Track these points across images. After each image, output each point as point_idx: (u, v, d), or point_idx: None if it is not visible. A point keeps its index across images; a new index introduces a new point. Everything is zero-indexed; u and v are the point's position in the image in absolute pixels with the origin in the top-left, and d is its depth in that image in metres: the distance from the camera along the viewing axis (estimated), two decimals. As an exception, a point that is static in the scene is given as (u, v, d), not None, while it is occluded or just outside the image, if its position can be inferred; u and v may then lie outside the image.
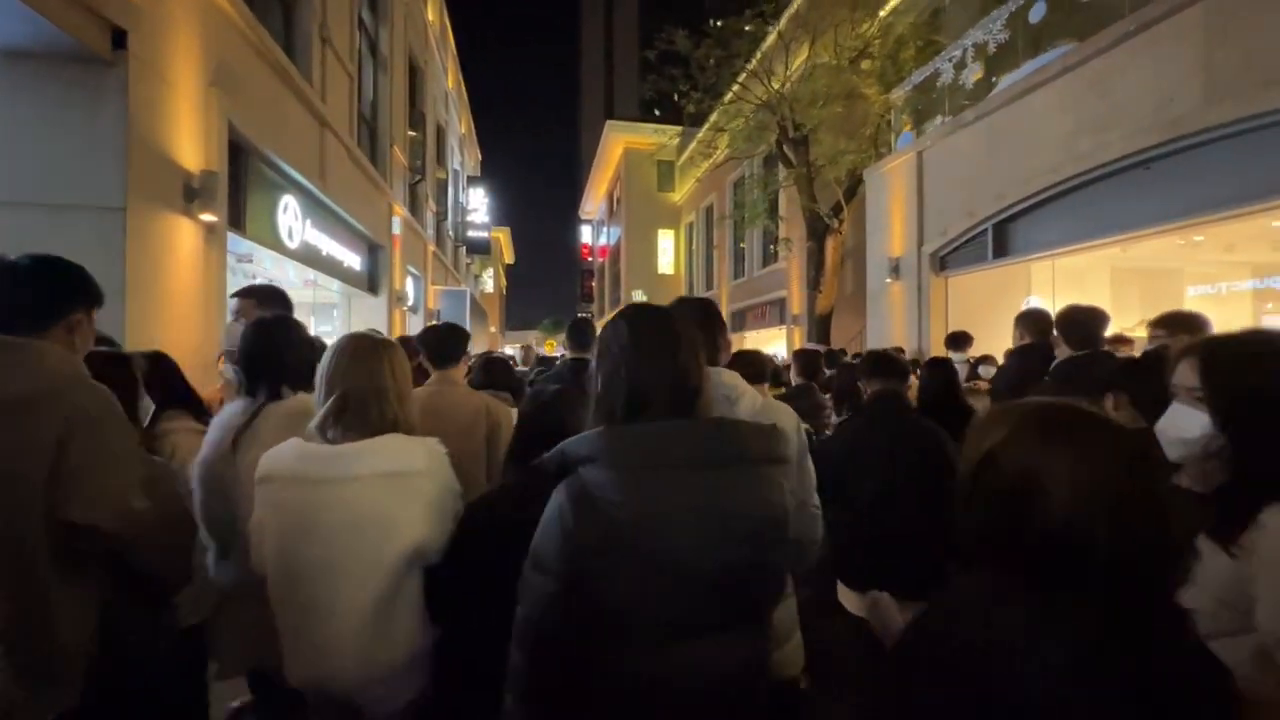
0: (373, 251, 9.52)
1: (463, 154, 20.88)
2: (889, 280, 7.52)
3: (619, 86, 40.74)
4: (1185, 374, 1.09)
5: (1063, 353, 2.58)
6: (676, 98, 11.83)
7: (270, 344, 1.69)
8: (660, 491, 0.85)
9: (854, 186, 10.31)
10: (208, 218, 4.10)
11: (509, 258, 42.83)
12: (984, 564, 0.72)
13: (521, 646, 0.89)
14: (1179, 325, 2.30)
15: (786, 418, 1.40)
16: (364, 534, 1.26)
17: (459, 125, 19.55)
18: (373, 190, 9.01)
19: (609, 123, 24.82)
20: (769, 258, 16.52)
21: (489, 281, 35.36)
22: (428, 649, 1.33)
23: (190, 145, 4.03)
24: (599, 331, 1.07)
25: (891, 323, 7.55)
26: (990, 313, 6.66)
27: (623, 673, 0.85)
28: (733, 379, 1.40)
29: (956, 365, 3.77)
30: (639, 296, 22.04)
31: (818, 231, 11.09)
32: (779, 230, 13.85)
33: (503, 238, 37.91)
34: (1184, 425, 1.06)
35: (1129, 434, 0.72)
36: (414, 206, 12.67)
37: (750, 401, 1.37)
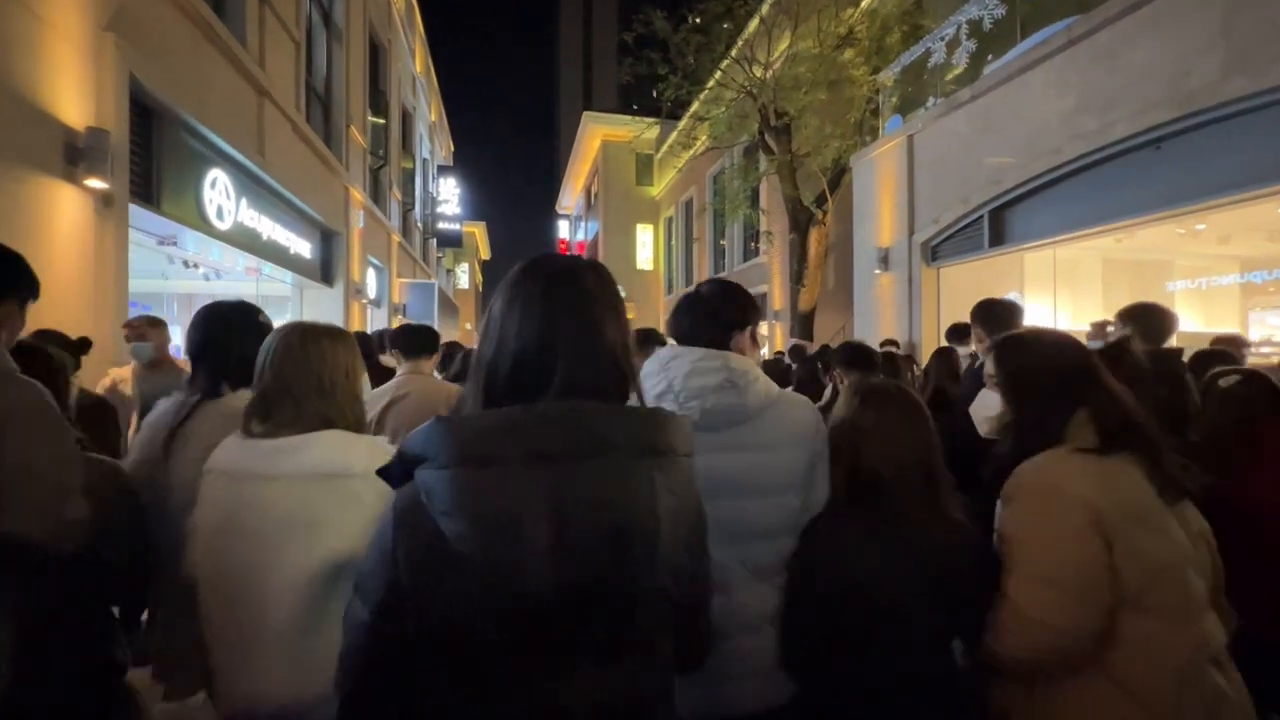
0: (327, 239, 8.84)
1: (433, 143, 20.09)
2: (878, 272, 7.14)
3: (597, 77, 40.10)
4: (989, 364, 1.33)
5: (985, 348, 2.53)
6: (656, 85, 11.34)
7: (219, 332, 1.53)
8: (496, 493, 0.67)
9: (838, 176, 9.96)
10: (97, 184, 3.47)
11: (485, 254, 41.93)
12: (839, 501, 1.23)
13: (340, 686, 0.75)
14: (1140, 318, 2.35)
15: (801, 410, 1.27)
16: (291, 537, 1.13)
17: (428, 112, 18.78)
18: (326, 172, 8.33)
19: (586, 113, 24.24)
20: (750, 252, 16.16)
21: (463, 277, 34.51)
22: None
23: (74, 97, 3.40)
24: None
25: (880, 316, 7.17)
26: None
27: (463, 715, 0.70)
28: (743, 363, 1.22)
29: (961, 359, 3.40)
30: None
31: (801, 223, 10.72)
32: (760, 223, 13.48)
33: (478, 233, 37.04)
34: (988, 405, 1.42)
35: (914, 399, 1.27)
36: (376, 194, 11.95)
37: (762, 389, 1.22)
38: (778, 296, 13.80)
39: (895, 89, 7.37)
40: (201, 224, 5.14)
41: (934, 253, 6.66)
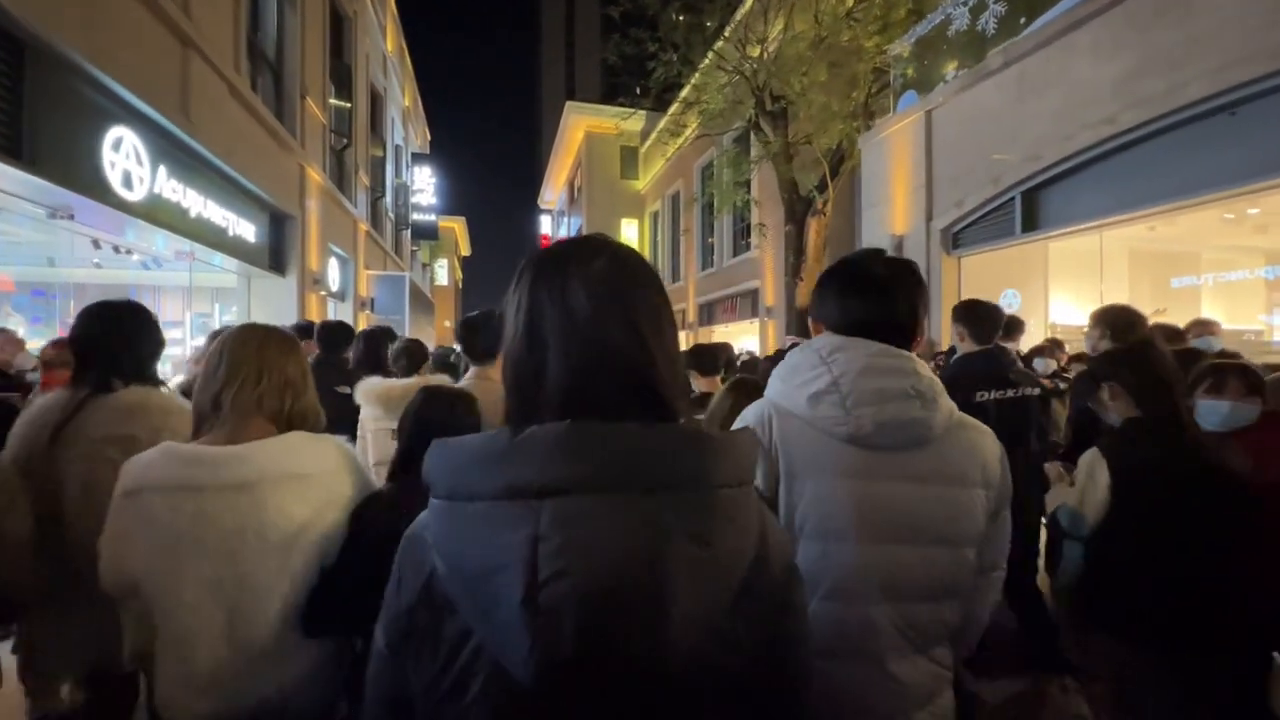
0: (278, 222, 7.91)
1: (407, 130, 19.07)
2: (891, 261, 6.47)
3: (580, 69, 39.27)
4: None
5: (967, 347, 2.60)
6: (645, 65, 10.57)
7: (110, 329, 1.54)
8: (474, 537, 0.54)
9: (839, 163, 9.32)
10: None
11: (465, 249, 40.79)
12: None
13: (365, 712, 0.65)
14: (1115, 321, 2.50)
15: (989, 441, 1.01)
16: (268, 542, 1.14)
17: (401, 96, 17.76)
18: (275, 146, 7.40)
19: (569, 104, 23.38)
20: (740, 247, 15.52)
21: (442, 273, 33.38)
22: (332, 657, 1.25)
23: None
24: None
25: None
26: (1001, 297, 5.68)
27: None
28: (928, 371, 0.96)
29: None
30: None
31: (797, 214, 10.06)
32: (753, 215, 12.82)
33: (458, 228, 36.03)
34: None
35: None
36: (341, 177, 11.00)
37: (948, 407, 0.97)
38: (770, 292, 13.17)
39: (908, 61, 6.70)
40: (102, 192, 4.23)
41: (955, 240, 6.00)
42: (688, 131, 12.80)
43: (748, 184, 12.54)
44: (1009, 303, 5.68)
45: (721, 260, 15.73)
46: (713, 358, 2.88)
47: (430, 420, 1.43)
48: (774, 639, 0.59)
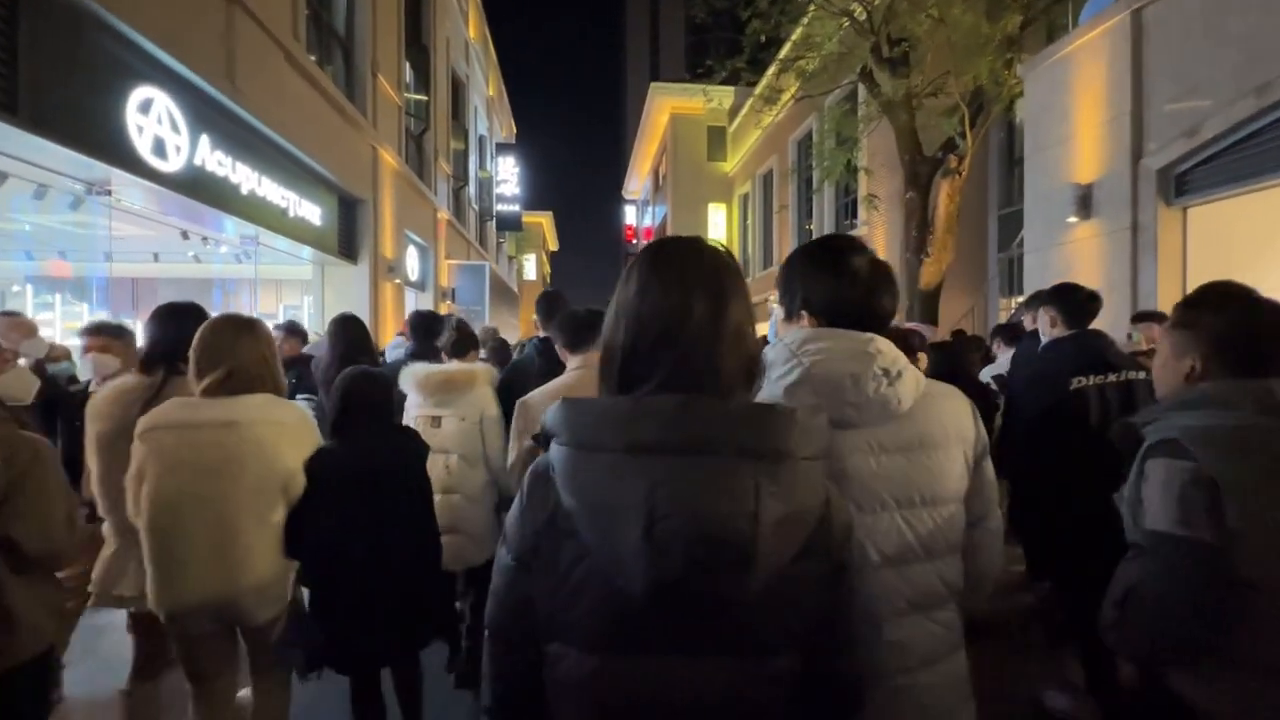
0: (347, 206, 7.55)
1: (491, 120, 18.94)
2: (1072, 220, 4.89)
3: (665, 54, 38.25)
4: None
5: (1057, 332, 2.44)
6: (737, 20, 9.31)
7: (180, 325, 1.86)
8: (600, 481, 0.68)
9: (977, 111, 7.65)
10: None
11: (552, 244, 41.16)
12: None
13: (487, 620, 0.77)
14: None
15: (954, 401, 1.08)
16: (245, 467, 1.60)
17: (485, 85, 17.58)
18: (342, 123, 7.00)
19: (654, 85, 22.38)
20: (843, 226, 13.86)
21: (530, 268, 33.73)
22: (290, 569, 1.75)
23: None
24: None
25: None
26: (1255, 261, 3.98)
27: (570, 680, 0.70)
28: (890, 348, 1.02)
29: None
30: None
31: (921, 178, 8.42)
32: (859, 187, 11.21)
33: (545, 223, 36.32)
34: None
35: None
36: (420, 164, 10.70)
37: (912, 379, 1.02)
38: (882, 275, 11.51)
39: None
40: (125, 159, 3.76)
41: (1180, 184, 4.36)
42: (785, 96, 11.36)
43: (854, 151, 10.95)
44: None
45: (821, 241, 14.15)
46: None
47: (351, 393, 1.88)
48: (833, 590, 0.71)
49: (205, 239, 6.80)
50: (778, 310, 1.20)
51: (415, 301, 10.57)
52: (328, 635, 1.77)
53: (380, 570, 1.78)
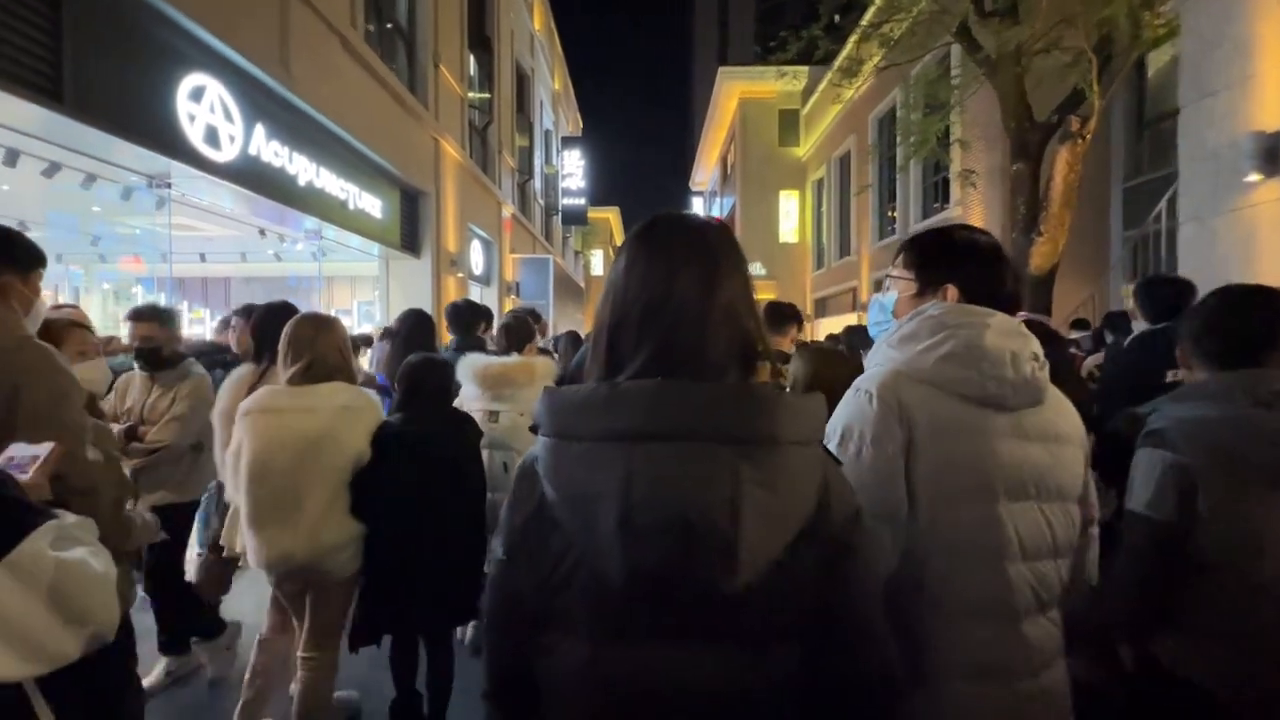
0: (409, 199, 7.48)
1: (557, 115, 18.86)
2: (1253, 178, 3.91)
3: (734, 43, 37.15)
4: None
5: (1140, 326, 2.48)
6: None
7: (279, 324, 2.02)
8: (578, 470, 0.67)
9: (1105, 62, 6.56)
10: None
11: (620, 240, 41.18)
12: None
13: (484, 610, 0.78)
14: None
15: (1068, 401, 1.06)
16: (321, 447, 1.84)
17: (551, 79, 17.49)
18: (403, 115, 6.90)
19: (722, 69, 21.54)
20: (929, 209, 12.69)
21: (597, 264, 33.79)
22: (358, 538, 1.93)
23: None
24: None
25: (1256, 255, 3.95)
26: None
27: (565, 668, 0.69)
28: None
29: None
30: (757, 269, 18.89)
31: (1030, 147, 7.38)
32: (952, 162, 10.11)
33: (613, 219, 36.29)
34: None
35: None
36: (484, 157, 10.64)
37: (1046, 370, 1.01)
38: (979, 260, 10.36)
39: None
40: (179, 150, 3.68)
41: None
42: (868, 66, 10.40)
43: (947, 120, 9.86)
44: None
45: (906, 224, 12.98)
46: (782, 317, 2.96)
47: (412, 376, 2.12)
48: (834, 578, 0.67)
49: (281, 236, 6.95)
50: (891, 290, 1.15)
51: (480, 297, 10.54)
52: (375, 596, 1.98)
53: (430, 539, 1.96)
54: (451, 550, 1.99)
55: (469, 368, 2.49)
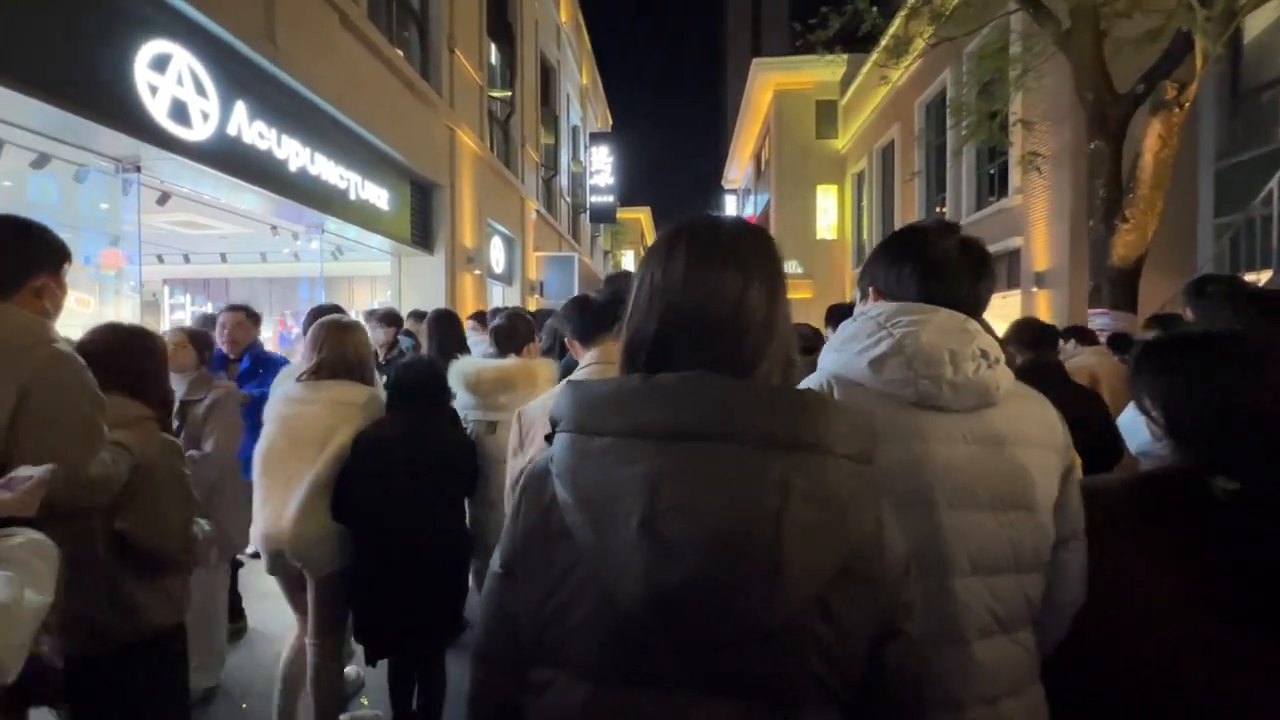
0: (421, 191, 7.05)
1: (585, 110, 18.41)
2: None
3: (766, 27, 36.26)
4: None
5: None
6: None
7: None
8: (598, 467, 0.59)
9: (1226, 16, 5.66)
10: None
11: (651, 240, 40.66)
12: None
13: (478, 628, 0.71)
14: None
15: (1046, 408, 0.98)
16: (313, 438, 1.92)
17: (578, 73, 17.04)
18: (414, 101, 6.46)
19: (756, 61, 20.75)
20: (983, 198, 11.74)
21: (627, 263, 33.35)
22: (335, 534, 1.93)
23: None
24: None
25: None
26: None
27: (554, 711, 0.62)
28: (989, 336, 0.95)
29: None
30: (793, 268, 18.06)
31: (1111, 122, 6.48)
32: (1013, 145, 9.20)
33: (644, 219, 35.85)
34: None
35: None
36: (506, 150, 10.19)
37: (1008, 373, 0.95)
38: (1041, 251, 9.46)
39: None
40: (137, 125, 3.25)
41: None
42: (919, 41, 9.53)
43: (1006, 100, 8.93)
44: None
45: (958, 218, 12.01)
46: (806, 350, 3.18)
47: (400, 381, 2.08)
48: (878, 632, 0.59)
49: (295, 235, 6.59)
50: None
51: (500, 294, 10.10)
52: (359, 609, 1.99)
53: (411, 547, 1.91)
54: (425, 568, 1.93)
55: (459, 374, 2.28)
